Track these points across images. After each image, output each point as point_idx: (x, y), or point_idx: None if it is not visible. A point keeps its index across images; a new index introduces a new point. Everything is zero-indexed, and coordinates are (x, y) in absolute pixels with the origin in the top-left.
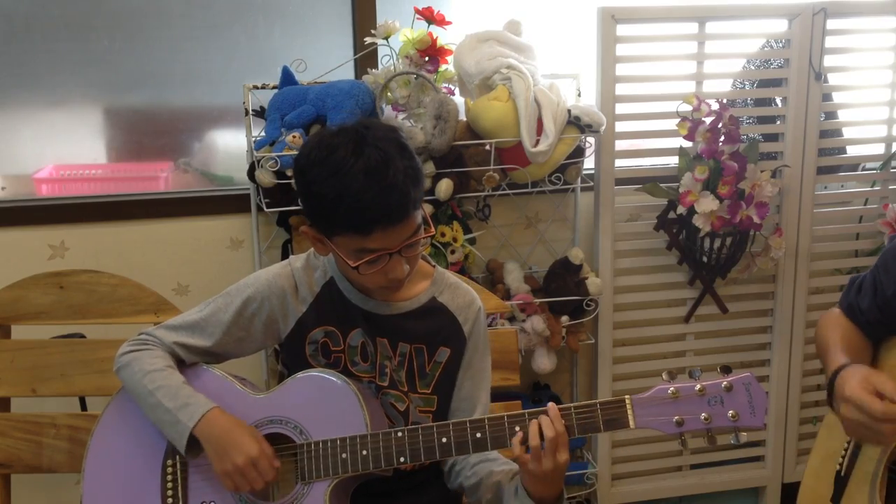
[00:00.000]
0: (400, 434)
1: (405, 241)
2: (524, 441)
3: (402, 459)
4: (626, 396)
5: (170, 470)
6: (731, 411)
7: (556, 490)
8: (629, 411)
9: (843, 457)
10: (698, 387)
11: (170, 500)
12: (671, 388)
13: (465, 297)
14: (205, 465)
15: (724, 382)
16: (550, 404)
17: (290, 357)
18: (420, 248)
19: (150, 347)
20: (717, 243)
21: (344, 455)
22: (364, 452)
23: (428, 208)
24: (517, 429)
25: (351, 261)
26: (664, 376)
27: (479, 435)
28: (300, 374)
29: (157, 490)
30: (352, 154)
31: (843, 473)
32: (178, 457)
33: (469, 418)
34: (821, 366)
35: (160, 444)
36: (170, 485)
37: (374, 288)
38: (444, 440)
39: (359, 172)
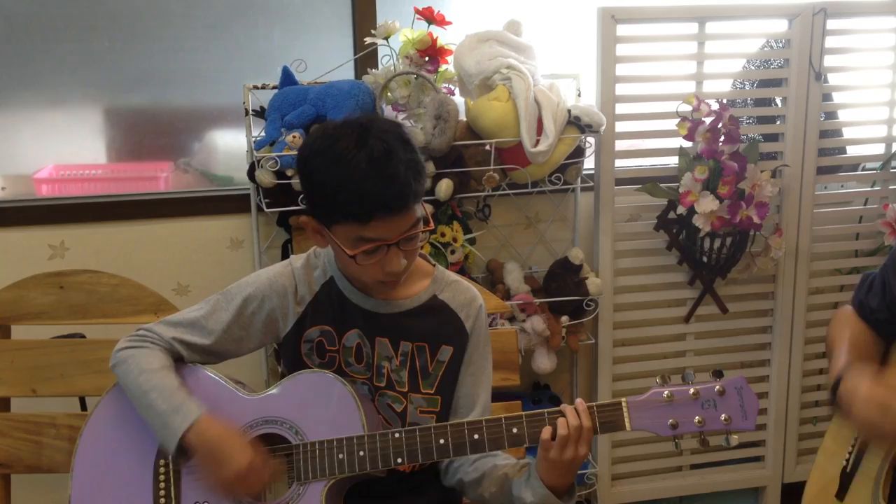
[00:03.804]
0: (398, 435)
1: (404, 233)
2: (554, 429)
3: (399, 460)
4: (623, 399)
5: (162, 470)
6: (723, 415)
7: (568, 481)
8: (625, 414)
9: (850, 453)
10: (692, 390)
11: (162, 500)
12: (666, 392)
13: (465, 294)
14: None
15: (717, 386)
16: (578, 400)
17: (287, 356)
18: (418, 243)
19: (147, 345)
20: (717, 243)
21: (340, 455)
22: (361, 453)
23: (428, 208)
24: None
25: (349, 250)
26: (658, 380)
27: (476, 437)
28: (296, 375)
29: (148, 490)
30: (355, 145)
31: (848, 470)
32: (171, 456)
33: (467, 420)
34: (820, 366)
35: (153, 442)
36: (162, 485)
37: (372, 283)
38: (441, 441)
39: (361, 162)
